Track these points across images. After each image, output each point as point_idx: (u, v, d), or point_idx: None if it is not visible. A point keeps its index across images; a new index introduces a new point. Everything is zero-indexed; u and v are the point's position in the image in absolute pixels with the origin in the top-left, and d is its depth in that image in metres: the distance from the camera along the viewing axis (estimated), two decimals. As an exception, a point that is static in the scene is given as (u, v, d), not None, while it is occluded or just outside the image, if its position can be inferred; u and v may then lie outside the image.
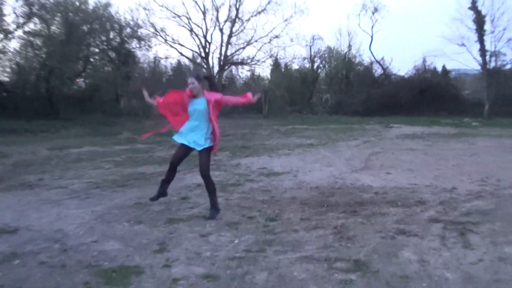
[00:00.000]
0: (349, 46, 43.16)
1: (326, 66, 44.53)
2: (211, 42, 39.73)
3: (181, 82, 38.39)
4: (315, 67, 44.13)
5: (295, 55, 48.94)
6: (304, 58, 44.03)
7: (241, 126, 27.71)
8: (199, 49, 39.82)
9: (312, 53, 43.41)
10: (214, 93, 7.68)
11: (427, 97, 36.77)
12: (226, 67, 40.94)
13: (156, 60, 39.21)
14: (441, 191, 9.87)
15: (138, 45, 35.57)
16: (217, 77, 39.70)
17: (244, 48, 40.30)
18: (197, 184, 10.49)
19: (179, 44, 39.54)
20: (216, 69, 40.08)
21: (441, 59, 57.96)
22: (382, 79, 41.48)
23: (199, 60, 40.97)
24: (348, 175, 11.99)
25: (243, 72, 44.81)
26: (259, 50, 40.38)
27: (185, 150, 7.70)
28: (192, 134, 7.55)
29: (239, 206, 8.57)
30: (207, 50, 39.62)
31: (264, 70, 57.39)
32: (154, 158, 15.27)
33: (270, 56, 41.49)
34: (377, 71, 42.76)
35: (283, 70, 44.67)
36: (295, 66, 44.69)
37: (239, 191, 9.91)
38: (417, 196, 9.33)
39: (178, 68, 42.61)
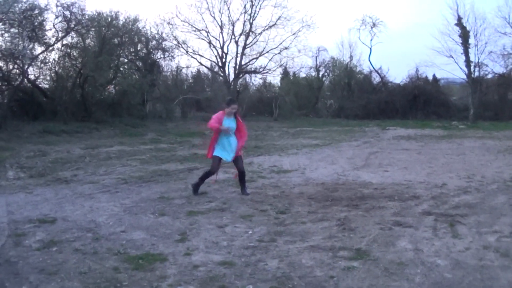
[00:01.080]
0: (351, 57, 42.91)
1: (330, 74, 44.31)
2: (227, 53, 39.61)
3: (200, 88, 38.57)
4: (320, 75, 43.94)
5: (303, 65, 48.86)
6: (311, 68, 43.89)
7: (254, 128, 27.68)
8: (216, 59, 39.76)
9: (318, 63, 43.23)
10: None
11: (419, 102, 36.52)
12: (241, 75, 40.79)
13: (178, 69, 39.17)
14: (433, 186, 9.81)
15: (162, 56, 35.59)
16: (232, 84, 39.59)
17: (257, 58, 40.15)
18: (214, 180, 10.49)
19: (199, 54, 39.32)
20: (231, 77, 40.00)
21: (432, 68, 57.96)
22: (380, 86, 41.21)
23: (216, 69, 40.97)
24: (350, 172, 11.95)
25: (256, 80, 44.56)
26: (270, 60, 39.96)
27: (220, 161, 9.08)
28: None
29: (252, 200, 8.55)
30: (224, 60, 39.55)
31: (275, 78, 57.20)
32: (176, 156, 15.27)
33: (280, 66, 41.30)
34: (376, 79, 42.49)
35: (291, 78, 44.49)
36: (302, 75, 44.50)
37: (252, 186, 9.88)
38: (412, 191, 9.28)
39: (198, 76, 42.60)
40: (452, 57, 35.03)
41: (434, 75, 41.01)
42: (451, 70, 58.42)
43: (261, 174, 11.64)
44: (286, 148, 17.53)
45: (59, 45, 27.64)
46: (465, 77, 35.66)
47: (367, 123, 31.83)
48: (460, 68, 35.58)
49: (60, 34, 27.09)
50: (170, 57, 36.60)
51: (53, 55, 28.30)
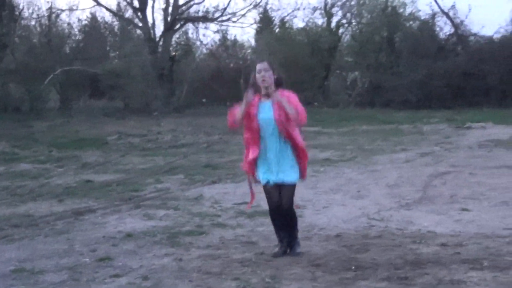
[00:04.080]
0: (394, -12, 43.47)
1: (353, 22, 44.74)
2: (149, -20, 39.79)
3: (97, 52, 38.47)
4: (333, 24, 44.35)
5: (299, 4, 49.12)
6: (315, 9, 44.27)
7: (204, 129, 27.71)
8: (129, -7, 39.82)
9: (329, 0, 43.72)
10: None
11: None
12: (178, 26, 40.86)
13: (53, 13, 39.16)
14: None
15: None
16: (161, 44, 39.55)
17: (209, -9, 40.40)
18: (126, 233, 10.44)
19: (93, -17, 39.55)
20: (160, 29, 39.98)
21: None
22: (453, 44, 41.65)
23: (130, 13, 41.00)
24: (394, 213, 12.03)
25: (208, 36, 44.69)
26: (235, -6, 40.24)
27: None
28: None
29: (201, 272, 8.52)
30: (144, -4, 39.67)
31: (245, 31, 57.32)
32: (50, 187, 15.21)
33: (255, 6, 41.56)
34: (444, 29, 42.98)
35: (277, 30, 44.80)
36: (299, 24, 44.90)
37: (202, 244, 9.88)
38: (518, 251, 9.34)
39: (93, 28, 42.54)
40: None
41: None
42: None
43: (219, 219, 11.68)
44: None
45: None
46: None
47: (428, 117, 32.10)
48: None
49: None
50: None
51: None
